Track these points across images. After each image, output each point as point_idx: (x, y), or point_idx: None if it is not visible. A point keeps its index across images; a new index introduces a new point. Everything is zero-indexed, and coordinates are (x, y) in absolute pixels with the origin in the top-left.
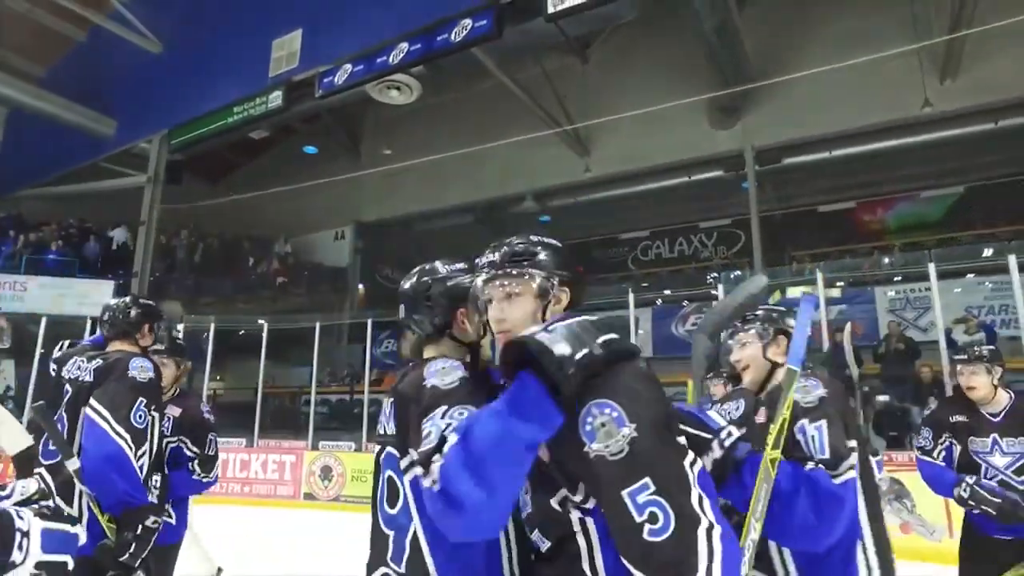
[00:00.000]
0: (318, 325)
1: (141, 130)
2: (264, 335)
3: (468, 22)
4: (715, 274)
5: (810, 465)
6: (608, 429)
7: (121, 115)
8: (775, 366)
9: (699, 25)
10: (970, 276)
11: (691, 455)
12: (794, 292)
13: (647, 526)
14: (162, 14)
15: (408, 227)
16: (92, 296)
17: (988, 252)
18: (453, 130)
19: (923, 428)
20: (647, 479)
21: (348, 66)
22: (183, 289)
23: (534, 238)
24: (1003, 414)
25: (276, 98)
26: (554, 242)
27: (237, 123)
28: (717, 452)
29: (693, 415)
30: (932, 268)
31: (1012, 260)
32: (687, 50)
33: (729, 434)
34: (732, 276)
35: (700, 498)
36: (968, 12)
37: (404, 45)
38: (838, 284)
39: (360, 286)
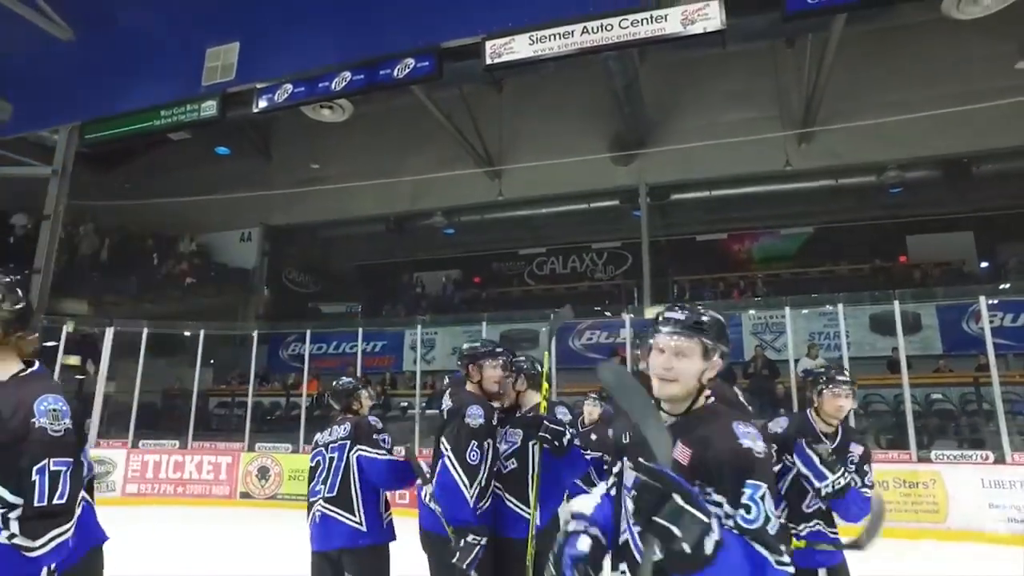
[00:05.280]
0: (256, 333)
1: (43, 120)
2: (201, 341)
3: (411, 61)
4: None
5: None
6: None
7: (18, 101)
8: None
9: (609, 80)
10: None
11: None
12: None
13: None
14: None
15: (316, 232)
16: None
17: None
18: (370, 143)
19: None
20: None
21: (289, 86)
22: (87, 288)
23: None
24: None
25: (210, 107)
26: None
27: (165, 127)
28: None
29: None
30: (788, 311)
31: (840, 308)
32: (595, 95)
33: None
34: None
35: None
36: (819, 94)
37: (347, 74)
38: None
39: (265, 289)
